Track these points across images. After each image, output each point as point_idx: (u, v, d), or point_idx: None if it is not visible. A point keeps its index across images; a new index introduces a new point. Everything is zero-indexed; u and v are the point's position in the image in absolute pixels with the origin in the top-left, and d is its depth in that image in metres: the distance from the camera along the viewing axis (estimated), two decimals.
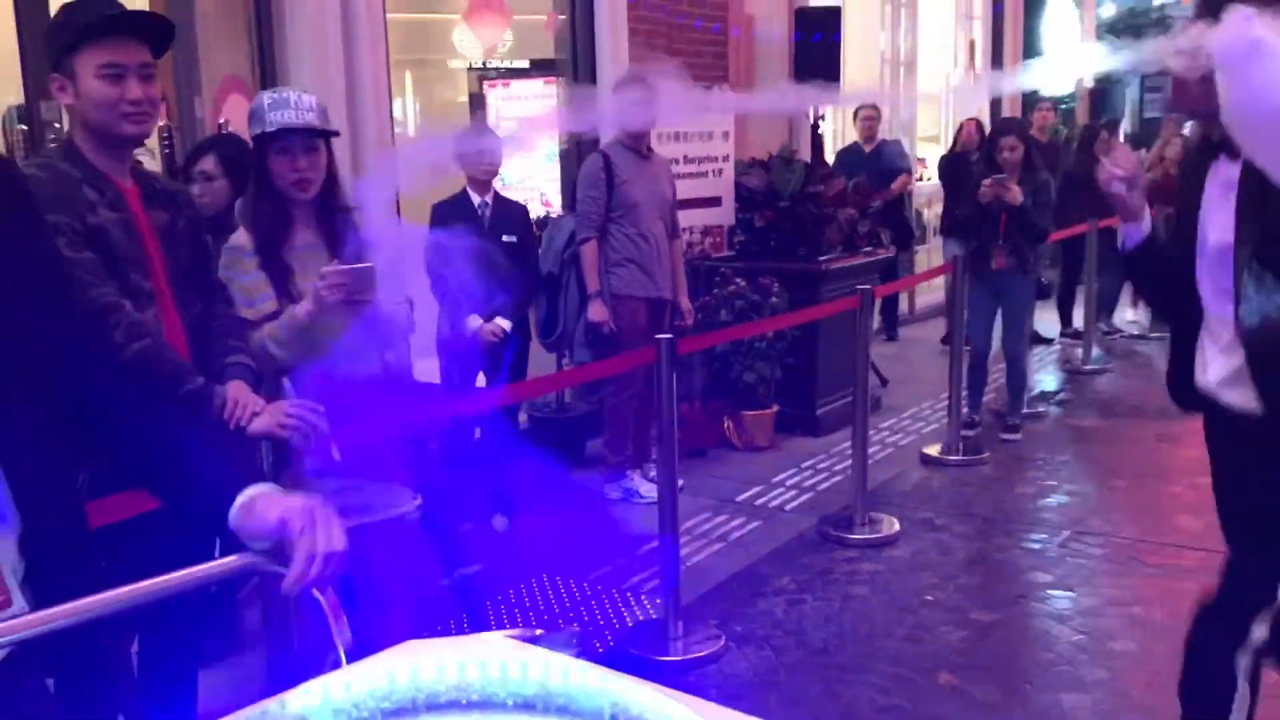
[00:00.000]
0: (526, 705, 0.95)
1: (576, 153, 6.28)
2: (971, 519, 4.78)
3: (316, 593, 1.36)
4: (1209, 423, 2.40)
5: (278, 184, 2.66)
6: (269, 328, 2.56)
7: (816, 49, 7.11)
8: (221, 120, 4.52)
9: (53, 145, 2.55)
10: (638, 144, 4.99)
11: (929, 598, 3.96)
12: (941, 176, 8.72)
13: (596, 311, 4.88)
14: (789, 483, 5.31)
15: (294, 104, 2.66)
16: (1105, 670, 3.39)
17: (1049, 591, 3.98)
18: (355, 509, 2.66)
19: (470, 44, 6.82)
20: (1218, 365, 2.26)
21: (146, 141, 2.64)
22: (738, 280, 5.60)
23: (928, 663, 3.46)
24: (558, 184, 6.50)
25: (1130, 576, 4.09)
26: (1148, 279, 2.54)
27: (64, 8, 2.33)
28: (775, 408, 5.82)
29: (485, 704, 0.95)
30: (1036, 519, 4.79)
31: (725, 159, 6.18)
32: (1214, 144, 2.24)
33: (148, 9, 4.02)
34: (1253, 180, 2.09)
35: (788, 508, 4.97)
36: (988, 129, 7.71)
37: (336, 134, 2.78)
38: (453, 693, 0.97)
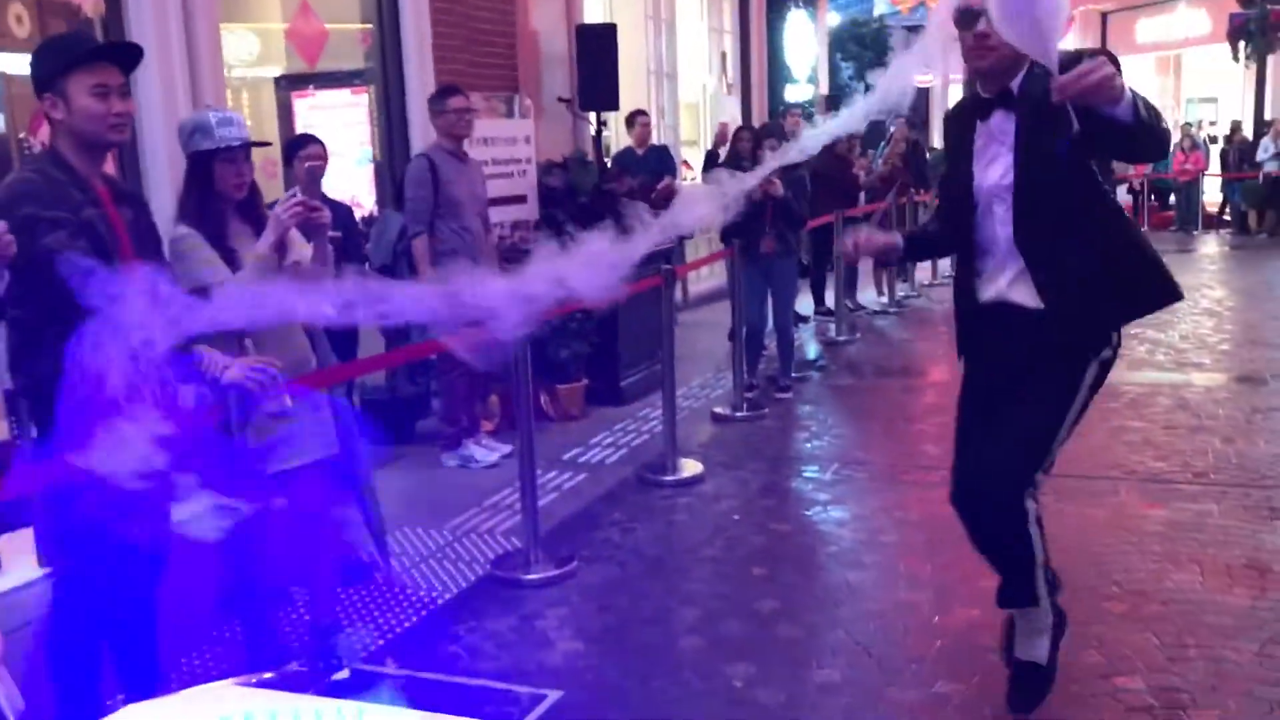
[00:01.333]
0: None
1: (389, 159, 6.83)
2: (760, 459, 5.69)
3: None
4: (980, 333, 2.92)
5: (219, 187, 3.18)
6: (231, 284, 3.07)
7: (595, 61, 7.93)
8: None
9: (36, 154, 2.94)
10: (457, 148, 5.62)
11: (735, 518, 4.83)
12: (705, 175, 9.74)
13: None
14: (604, 443, 6.08)
15: (235, 122, 3.19)
16: (878, 554, 4.34)
17: (828, 507, 4.93)
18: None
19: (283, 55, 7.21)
20: (1003, 277, 2.81)
21: None
22: None
23: (742, 562, 4.31)
24: (370, 186, 7.00)
25: (889, 492, 5.10)
26: (925, 253, 3.73)
27: (49, 40, 2.79)
28: (585, 381, 6.57)
29: None
30: (811, 456, 5.77)
31: (528, 161, 6.88)
32: (984, 101, 2.79)
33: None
34: (1024, 130, 2.69)
35: (607, 462, 5.74)
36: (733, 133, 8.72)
37: (268, 144, 3.32)
38: None
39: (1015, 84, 2.73)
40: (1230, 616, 3.61)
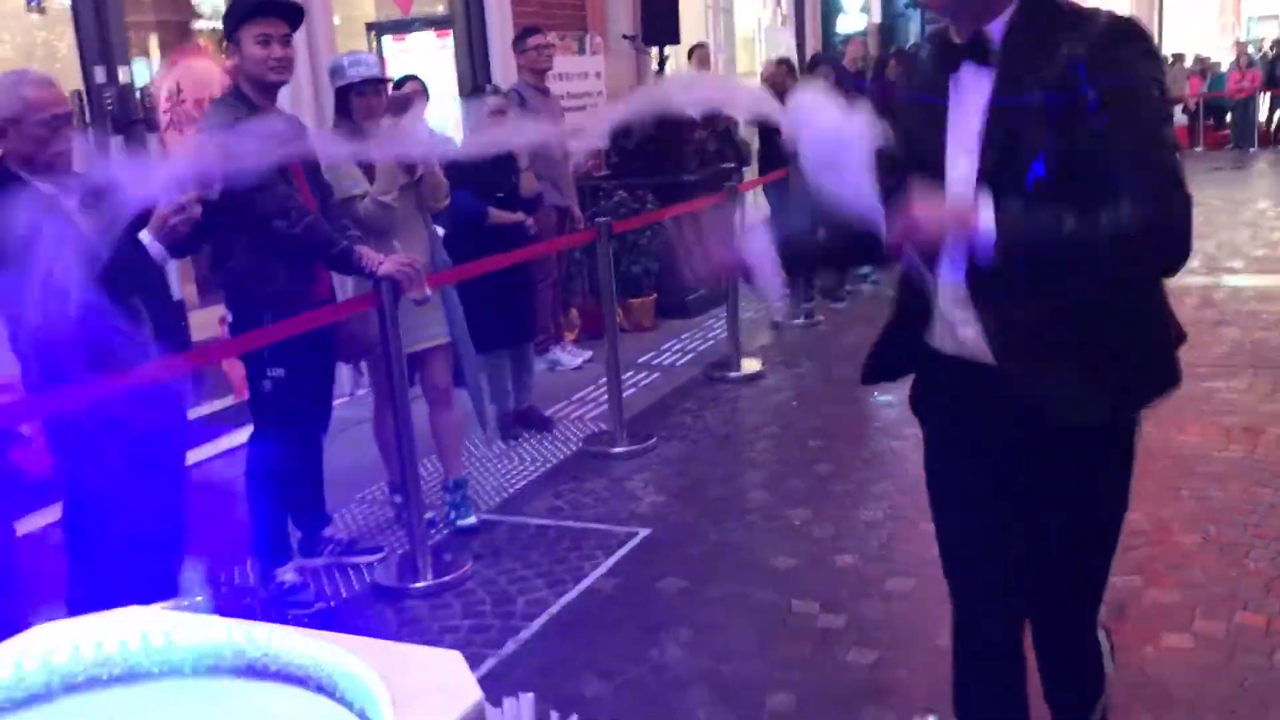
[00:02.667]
0: (173, 670, 0.89)
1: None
2: (815, 358, 6.33)
3: None
4: (938, 390, 2.05)
5: (355, 115, 3.86)
6: (375, 189, 3.76)
7: None
8: None
9: (226, 94, 3.63)
10: (539, 82, 6.24)
11: (793, 404, 5.49)
12: None
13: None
14: (674, 349, 6.75)
15: (364, 62, 3.87)
16: (917, 428, 4.96)
17: (874, 393, 5.55)
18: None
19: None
20: (963, 318, 1.88)
21: None
22: (620, 191, 6.95)
23: (799, 437, 4.97)
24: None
25: None
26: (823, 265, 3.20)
27: (232, 2, 3.47)
28: (655, 295, 7.23)
29: (129, 676, 0.89)
30: (860, 353, 6.37)
31: (599, 94, 7.49)
32: (957, 47, 1.81)
33: None
34: (1000, 106, 1.74)
35: (677, 364, 6.41)
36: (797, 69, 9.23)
37: (391, 79, 3.99)
38: (91, 670, 0.89)
39: (998, 24, 1.76)
40: (1221, 465, 4.20)
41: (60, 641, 0.90)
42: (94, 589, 2.87)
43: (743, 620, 3.32)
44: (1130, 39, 1.69)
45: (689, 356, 6.55)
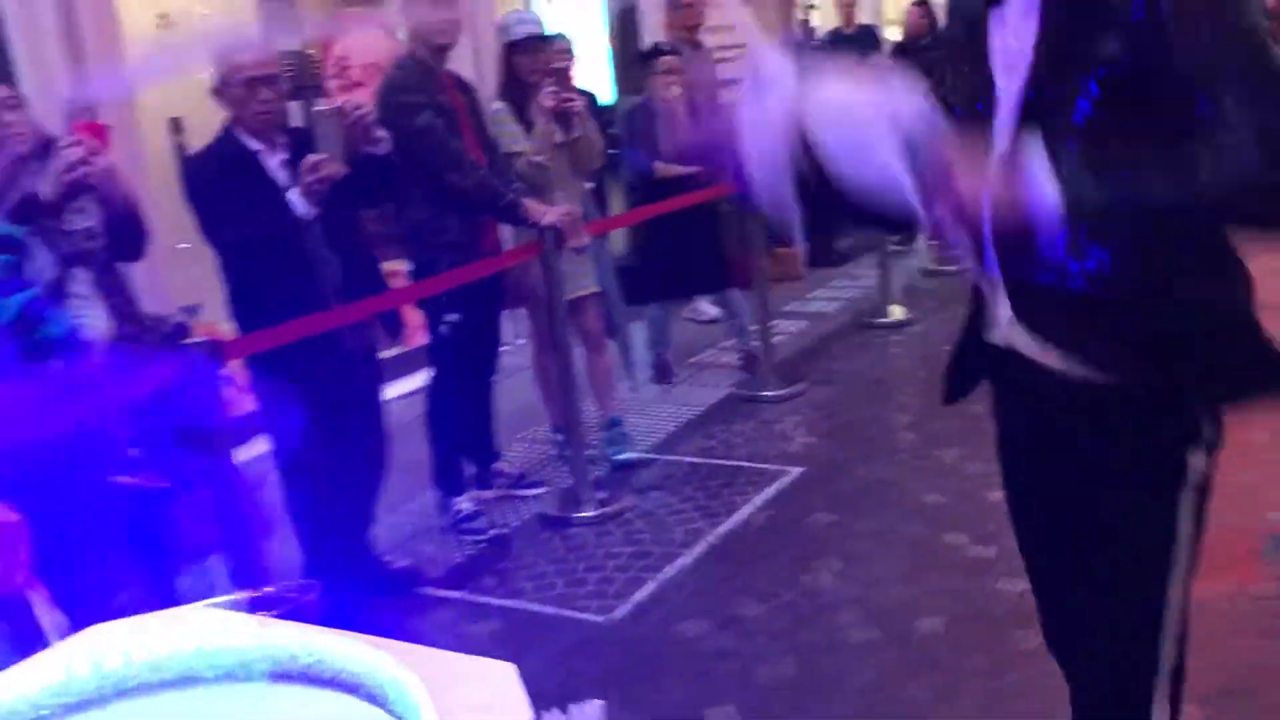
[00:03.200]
0: (227, 675, 0.87)
1: (622, 51, 7.65)
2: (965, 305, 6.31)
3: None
4: (999, 384, 1.75)
5: (518, 72, 4.06)
6: (529, 150, 3.96)
7: None
8: None
9: (403, 58, 3.89)
10: (690, 37, 6.35)
11: (945, 347, 5.50)
12: None
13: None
14: (822, 297, 6.83)
15: (528, 20, 4.07)
16: None
17: None
18: None
19: None
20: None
21: None
22: None
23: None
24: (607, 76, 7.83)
25: None
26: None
27: None
28: (803, 245, 7.30)
29: (182, 681, 0.88)
30: None
31: (740, 47, 7.55)
32: None
33: None
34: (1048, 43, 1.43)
35: (825, 311, 6.50)
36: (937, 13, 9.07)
37: (554, 36, 4.19)
38: (144, 674, 0.88)
39: None
40: None
41: (112, 645, 0.89)
42: (306, 518, 3.19)
43: (892, 551, 3.45)
44: None
45: (837, 304, 6.62)
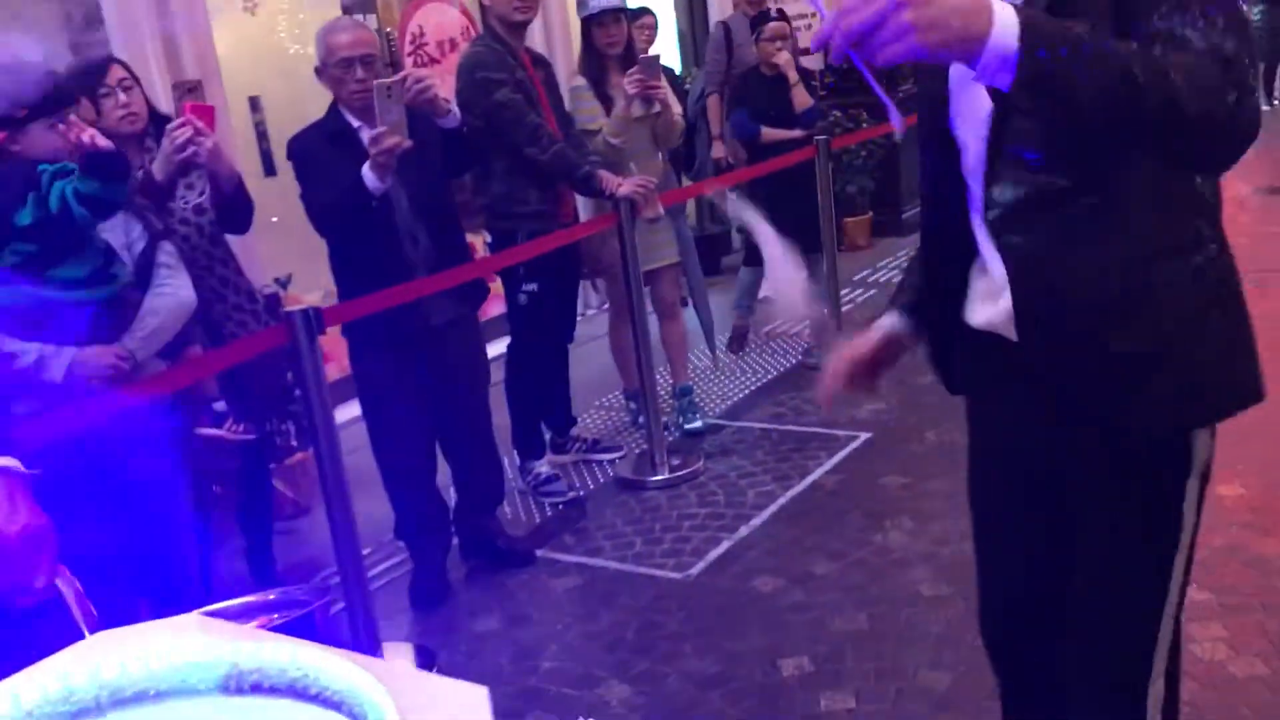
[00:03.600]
0: (219, 687, 0.90)
1: (691, 28, 7.71)
2: None
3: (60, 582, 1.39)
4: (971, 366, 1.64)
5: (597, 45, 4.15)
6: (606, 131, 4.05)
7: None
8: None
9: (480, 35, 4.02)
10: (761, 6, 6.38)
11: None
12: None
13: (718, 149, 6.34)
14: (890, 266, 6.86)
15: None
16: None
17: None
18: None
19: None
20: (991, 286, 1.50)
21: None
22: (835, 111, 7.05)
23: None
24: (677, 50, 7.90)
25: None
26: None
27: None
28: (870, 214, 7.33)
29: (175, 692, 0.90)
30: None
31: (813, 15, 7.56)
32: None
33: None
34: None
35: (892, 281, 6.53)
36: None
37: (631, 10, 4.27)
38: (140, 684, 0.90)
39: None
40: None
41: (109, 656, 0.91)
42: (396, 476, 3.35)
43: (962, 511, 3.47)
44: None
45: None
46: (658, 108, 4.14)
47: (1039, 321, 1.44)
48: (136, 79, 2.90)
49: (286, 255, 4.53)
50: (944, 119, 1.49)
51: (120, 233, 2.50)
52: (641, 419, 4.34)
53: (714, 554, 3.45)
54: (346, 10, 5.32)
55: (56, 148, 2.29)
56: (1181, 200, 1.40)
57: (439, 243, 3.23)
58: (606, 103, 4.13)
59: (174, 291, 2.53)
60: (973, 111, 1.42)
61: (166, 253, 2.55)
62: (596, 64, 4.16)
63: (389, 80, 2.92)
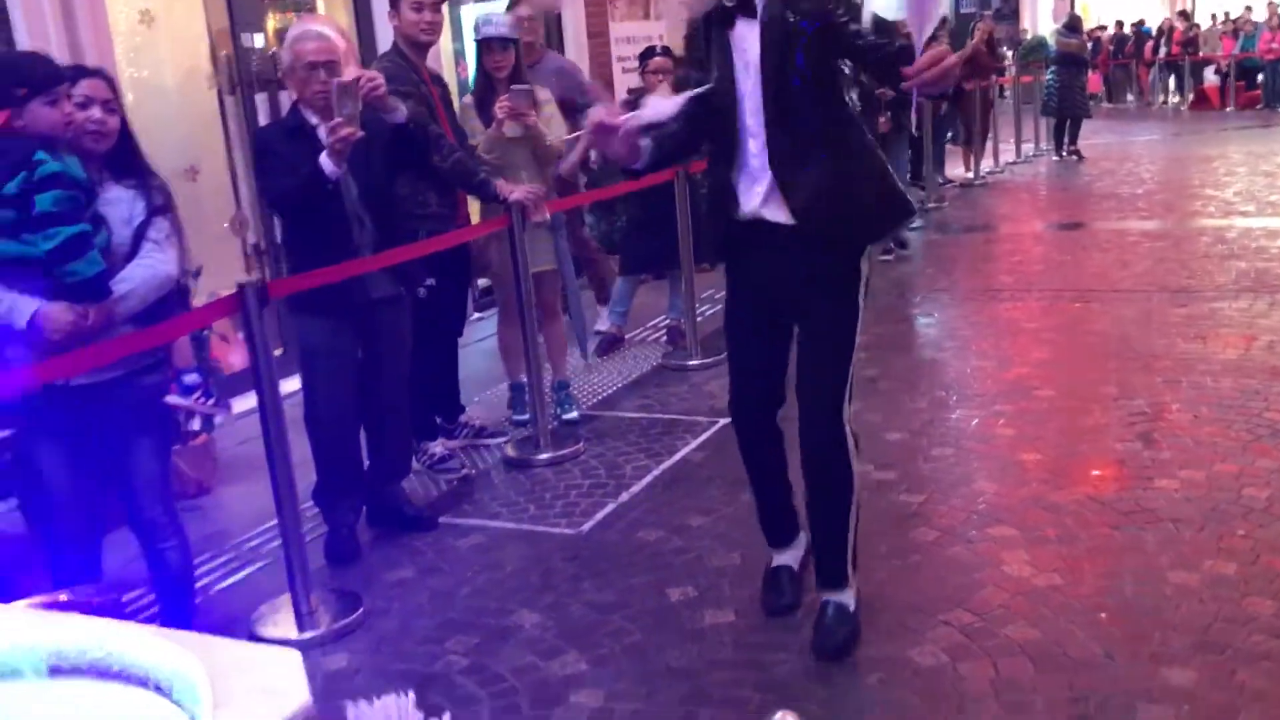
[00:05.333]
0: (14, 672, 0.89)
1: None
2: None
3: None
4: (739, 245, 2.81)
5: (486, 68, 4.60)
6: (480, 147, 4.49)
7: None
8: None
9: (388, 52, 4.39)
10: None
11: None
12: None
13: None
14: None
15: (493, 22, 4.60)
16: (956, 341, 5.71)
17: (919, 316, 6.29)
18: None
19: None
20: (757, 192, 2.71)
21: None
22: None
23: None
24: None
25: (966, 304, 6.44)
26: (670, 158, 3.00)
27: None
28: None
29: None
30: (910, 284, 7.12)
31: None
32: (728, 9, 2.66)
33: None
34: (771, 42, 2.60)
35: None
36: None
37: (517, 39, 4.73)
38: None
39: None
40: (1219, 364, 4.91)
41: None
42: (324, 437, 3.68)
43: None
44: None
45: None
46: (530, 130, 4.56)
47: (806, 209, 2.68)
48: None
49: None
50: (734, 91, 2.70)
51: (125, 207, 2.78)
52: (516, 410, 4.80)
53: (600, 514, 3.91)
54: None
55: (54, 123, 2.59)
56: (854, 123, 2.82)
57: (381, 227, 3.62)
58: (488, 122, 4.56)
59: (153, 265, 2.80)
60: (754, 85, 2.67)
61: (157, 229, 2.82)
62: (484, 85, 4.60)
63: (346, 79, 3.31)
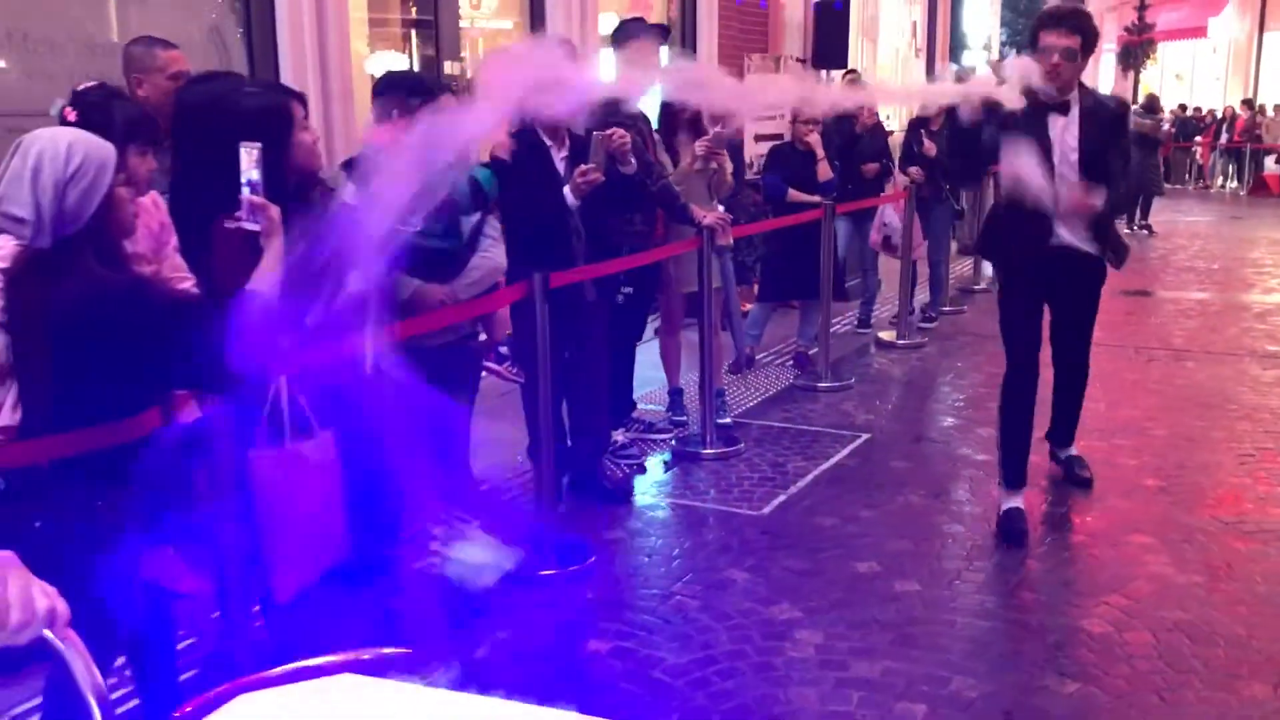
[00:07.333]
0: None
1: None
2: (956, 339, 7.62)
3: (48, 633, 1.14)
4: (1035, 267, 4.12)
5: (674, 115, 5.22)
6: (672, 177, 5.13)
7: (829, 30, 9.83)
8: None
9: None
10: None
11: (958, 365, 6.79)
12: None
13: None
14: (844, 320, 8.08)
15: None
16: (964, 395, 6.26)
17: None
18: None
19: None
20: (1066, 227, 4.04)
21: None
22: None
23: (961, 387, 6.27)
24: None
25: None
26: None
27: None
28: None
29: None
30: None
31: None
32: (1046, 106, 3.94)
33: None
34: (1087, 128, 3.98)
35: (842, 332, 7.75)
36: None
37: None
38: None
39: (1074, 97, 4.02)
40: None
41: None
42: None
43: (930, 480, 4.65)
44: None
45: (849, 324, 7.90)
46: (715, 166, 5.18)
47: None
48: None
49: None
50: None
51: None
52: (675, 411, 5.40)
53: (776, 501, 4.47)
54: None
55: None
56: None
57: (594, 240, 4.25)
58: (672, 153, 5.18)
59: (493, 258, 3.42)
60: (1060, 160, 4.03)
61: (492, 227, 3.45)
62: (672, 127, 5.23)
63: (602, 133, 3.96)
